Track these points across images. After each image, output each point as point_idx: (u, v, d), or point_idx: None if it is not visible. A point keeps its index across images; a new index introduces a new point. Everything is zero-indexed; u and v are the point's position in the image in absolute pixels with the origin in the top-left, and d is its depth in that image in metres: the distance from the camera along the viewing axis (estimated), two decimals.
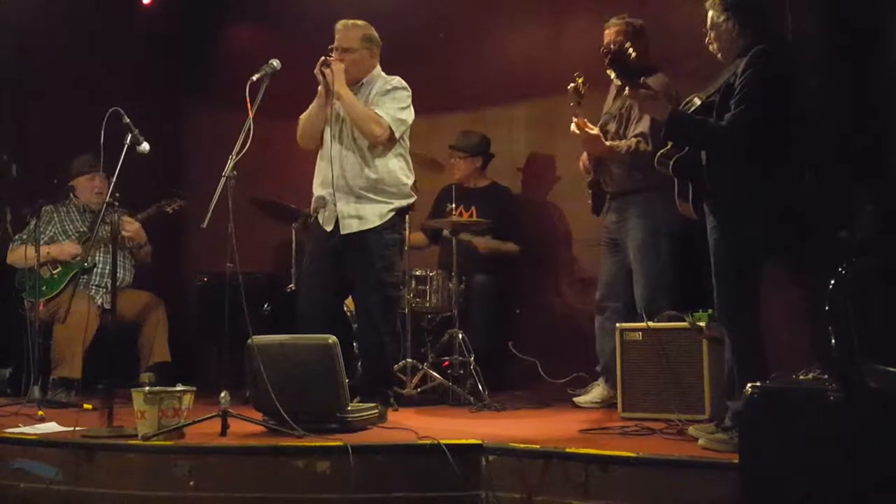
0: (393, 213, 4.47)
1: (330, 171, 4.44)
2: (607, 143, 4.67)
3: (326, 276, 4.49)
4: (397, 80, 4.54)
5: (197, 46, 6.87)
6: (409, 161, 4.61)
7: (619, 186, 4.76)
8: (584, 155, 4.92)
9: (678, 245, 4.63)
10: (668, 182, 4.65)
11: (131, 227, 5.42)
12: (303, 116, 4.58)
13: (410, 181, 4.57)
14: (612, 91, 4.83)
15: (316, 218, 4.54)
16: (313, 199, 4.54)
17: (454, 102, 6.18)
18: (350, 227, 4.41)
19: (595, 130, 4.64)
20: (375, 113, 4.40)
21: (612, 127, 4.78)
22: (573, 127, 4.64)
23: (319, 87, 4.48)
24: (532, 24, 6.07)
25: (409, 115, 4.51)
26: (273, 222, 5.99)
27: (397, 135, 4.44)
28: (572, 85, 4.54)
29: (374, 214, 4.42)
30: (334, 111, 4.50)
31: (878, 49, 3.77)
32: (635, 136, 4.62)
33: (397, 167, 4.50)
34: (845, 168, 3.86)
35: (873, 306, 3.33)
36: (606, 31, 4.75)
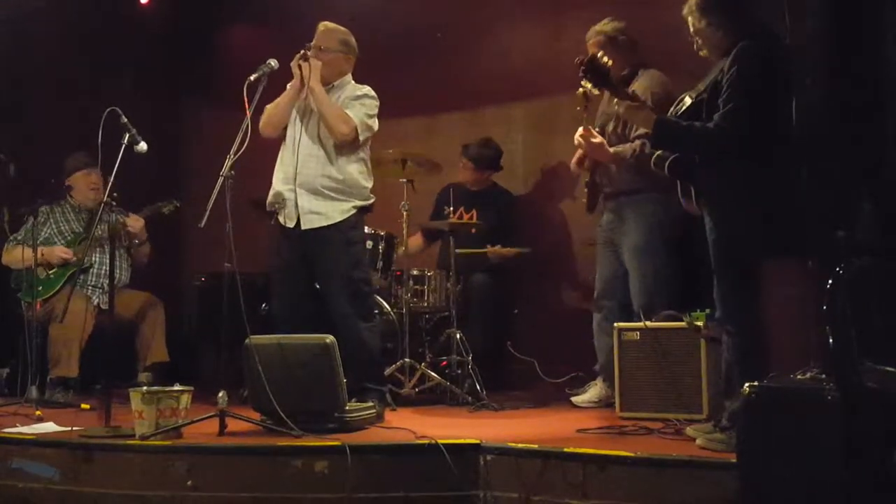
0: (354, 211, 4.50)
1: (293, 165, 4.47)
2: (611, 149, 4.65)
3: (294, 274, 4.51)
4: (367, 89, 4.60)
5: (195, 46, 6.87)
6: (369, 167, 4.65)
7: (617, 186, 4.76)
8: (578, 154, 4.91)
9: (675, 245, 4.63)
10: (667, 182, 4.65)
11: (136, 223, 5.43)
12: (270, 106, 4.58)
13: (369, 185, 4.61)
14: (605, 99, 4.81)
15: (277, 218, 4.55)
16: (270, 195, 4.55)
17: (453, 102, 6.18)
18: (311, 222, 4.44)
19: (599, 138, 4.62)
20: (345, 112, 4.44)
21: (610, 127, 4.77)
22: (577, 136, 4.63)
23: (293, 80, 4.50)
24: (531, 24, 6.07)
25: (375, 124, 4.57)
26: (271, 222, 5.98)
27: (361, 138, 4.49)
28: (581, 90, 4.51)
29: (334, 211, 4.45)
30: (305, 106, 4.53)
31: (878, 47, 3.76)
32: (638, 136, 4.61)
33: (357, 170, 4.54)
34: (844, 167, 3.85)
35: (871, 306, 3.32)
36: (588, 45, 4.76)
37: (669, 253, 4.63)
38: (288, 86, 4.54)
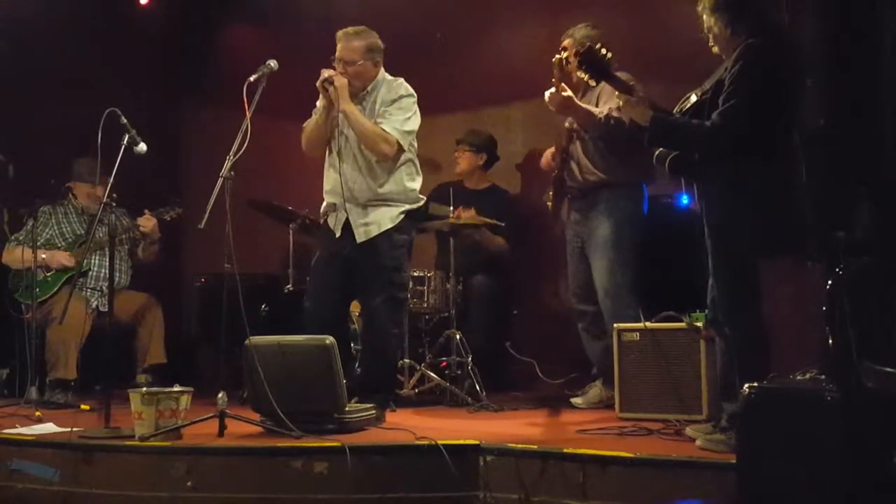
0: (403, 216, 4.50)
1: (339, 181, 4.45)
2: (584, 105, 4.59)
3: (334, 280, 4.53)
4: (403, 88, 4.54)
5: (195, 47, 6.87)
6: (417, 164, 4.64)
7: (586, 180, 4.75)
8: (548, 151, 4.94)
9: (642, 240, 4.68)
10: (634, 176, 4.69)
11: (149, 222, 5.40)
12: (307, 124, 4.58)
13: (418, 185, 4.61)
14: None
15: (326, 221, 4.57)
16: (324, 205, 4.59)
17: (452, 102, 6.18)
18: (367, 234, 4.46)
19: (568, 92, 4.54)
20: (382, 129, 4.40)
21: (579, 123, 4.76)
22: (547, 95, 4.56)
23: (322, 98, 4.48)
24: (530, 24, 6.06)
25: (416, 122, 4.54)
26: (271, 223, 5.99)
27: (405, 147, 4.47)
28: (557, 58, 4.48)
29: (385, 218, 4.47)
30: (339, 123, 4.49)
31: (877, 47, 3.77)
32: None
33: (404, 174, 4.55)
34: (843, 167, 3.86)
35: (871, 306, 3.32)
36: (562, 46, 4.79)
37: (636, 247, 4.65)
38: (318, 104, 4.53)
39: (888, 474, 2.55)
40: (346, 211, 4.46)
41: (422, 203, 4.64)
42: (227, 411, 3.74)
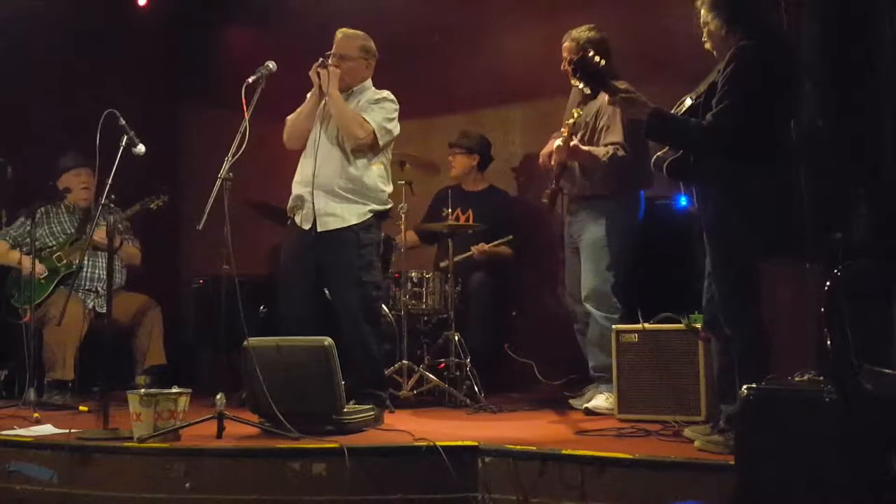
0: (370, 215, 4.52)
1: (311, 168, 4.50)
2: (585, 147, 4.65)
3: (304, 275, 4.53)
4: (387, 93, 4.63)
5: (194, 48, 6.86)
6: (389, 172, 4.69)
7: (580, 191, 4.78)
8: (546, 148, 4.94)
9: (635, 246, 4.71)
10: (631, 187, 4.70)
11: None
12: (291, 116, 4.63)
13: (388, 190, 4.64)
14: (575, 97, 4.79)
15: (293, 218, 4.57)
16: (291, 199, 4.58)
17: (450, 104, 6.19)
18: (327, 224, 4.47)
19: (574, 141, 4.62)
20: (362, 117, 4.46)
21: (578, 136, 4.76)
22: (558, 141, 4.63)
23: (312, 89, 4.50)
24: (528, 26, 6.06)
25: (395, 128, 4.59)
26: (269, 224, 5.99)
27: (381, 142, 4.51)
28: (570, 121, 4.57)
29: (351, 213, 4.49)
30: (325, 111, 4.55)
31: (874, 47, 3.77)
32: (610, 144, 4.63)
33: (377, 174, 4.57)
34: (842, 169, 3.86)
35: (869, 307, 3.32)
36: (563, 48, 4.82)
37: (626, 254, 4.68)
38: (308, 95, 4.56)
39: (886, 476, 2.55)
40: (312, 201, 4.47)
41: (389, 207, 4.66)
42: (226, 412, 3.73)
